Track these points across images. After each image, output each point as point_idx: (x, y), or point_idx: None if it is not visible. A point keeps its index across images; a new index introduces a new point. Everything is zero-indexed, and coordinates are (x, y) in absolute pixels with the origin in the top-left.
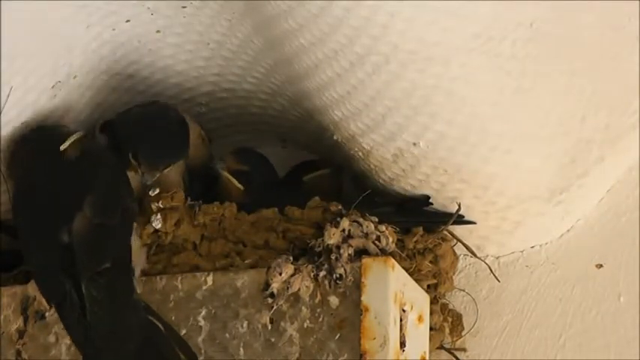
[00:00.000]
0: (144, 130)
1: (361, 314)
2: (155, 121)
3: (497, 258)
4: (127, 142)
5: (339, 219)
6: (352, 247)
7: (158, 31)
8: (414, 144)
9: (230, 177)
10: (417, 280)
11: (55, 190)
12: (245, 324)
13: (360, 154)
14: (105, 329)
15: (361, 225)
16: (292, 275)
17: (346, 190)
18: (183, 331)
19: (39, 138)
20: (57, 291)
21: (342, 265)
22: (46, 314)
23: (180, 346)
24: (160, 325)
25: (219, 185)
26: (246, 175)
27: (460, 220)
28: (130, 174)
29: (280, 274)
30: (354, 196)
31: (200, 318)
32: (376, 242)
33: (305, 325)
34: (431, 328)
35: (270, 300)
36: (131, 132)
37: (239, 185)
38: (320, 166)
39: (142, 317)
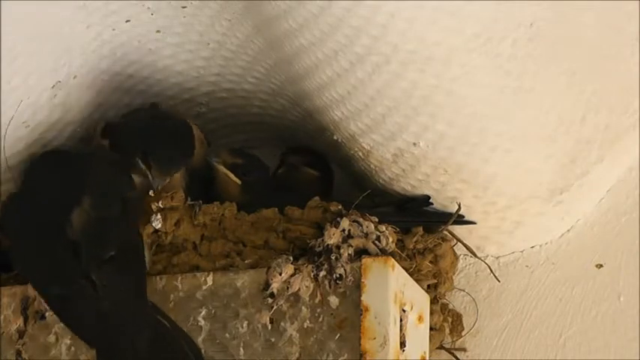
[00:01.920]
0: (152, 133)
1: (361, 314)
2: (162, 124)
3: (497, 258)
4: (134, 146)
5: (339, 219)
6: (352, 247)
7: (158, 31)
8: (414, 144)
9: (227, 171)
10: (417, 280)
11: (52, 190)
12: (245, 324)
13: (360, 154)
14: (119, 317)
15: (361, 225)
16: (292, 275)
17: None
18: None
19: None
20: (63, 280)
21: (342, 265)
22: (46, 314)
23: (186, 342)
24: (166, 323)
25: (216, 185)
26: (242, 168)
27: (460, 220)
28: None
29: (280, 274)
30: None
31: (200, 318)
32: (376, 242)
33: (305, 325)
34: (431, 328)
35: (270, 300)
36: (138, 135)
37: (236, 179)
38: (282, 162)
39: (150, 314)
